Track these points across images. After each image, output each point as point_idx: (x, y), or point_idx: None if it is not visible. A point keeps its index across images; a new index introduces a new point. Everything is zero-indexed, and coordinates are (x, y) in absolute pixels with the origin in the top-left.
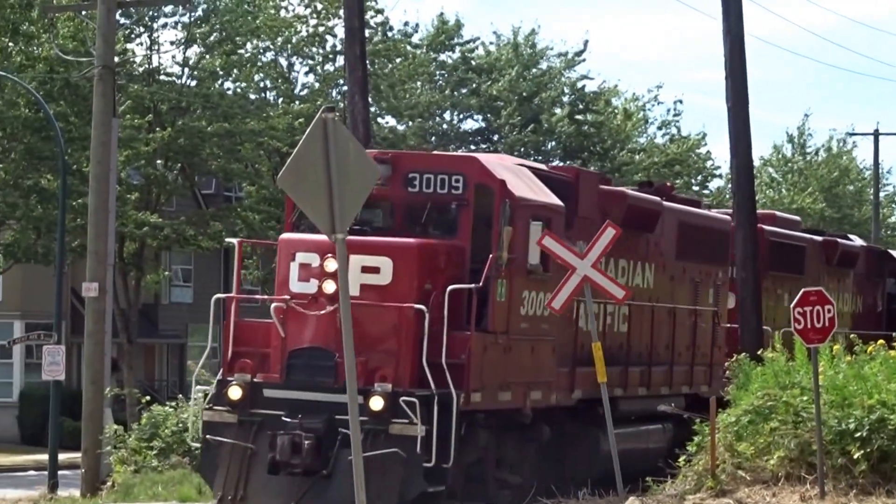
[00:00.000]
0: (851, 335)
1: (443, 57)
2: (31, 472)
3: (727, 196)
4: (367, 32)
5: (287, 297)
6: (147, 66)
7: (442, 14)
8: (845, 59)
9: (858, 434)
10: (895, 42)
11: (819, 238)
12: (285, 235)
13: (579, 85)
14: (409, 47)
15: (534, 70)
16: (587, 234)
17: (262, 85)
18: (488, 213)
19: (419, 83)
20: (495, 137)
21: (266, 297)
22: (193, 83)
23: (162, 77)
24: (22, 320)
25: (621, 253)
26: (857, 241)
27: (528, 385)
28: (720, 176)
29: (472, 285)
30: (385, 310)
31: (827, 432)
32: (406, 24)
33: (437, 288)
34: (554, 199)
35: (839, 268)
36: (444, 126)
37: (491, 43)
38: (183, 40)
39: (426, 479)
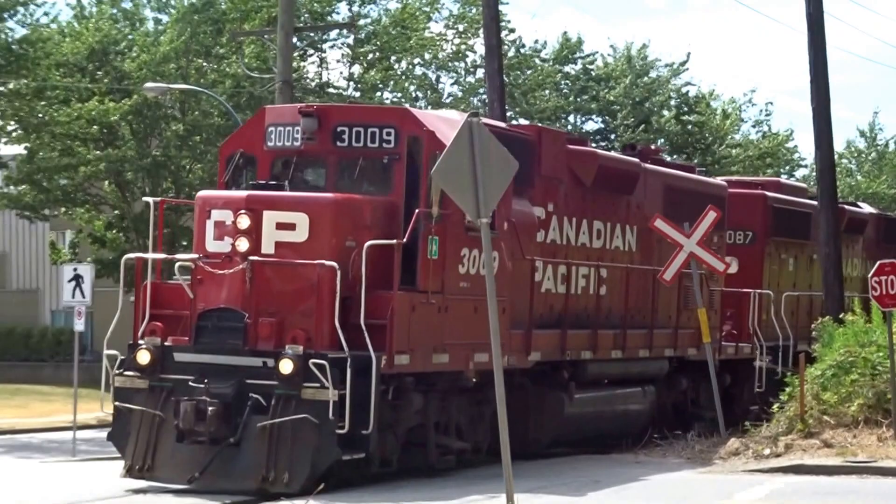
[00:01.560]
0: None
1: (567, 68)
2: None
3: (812, 184)
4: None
5: (196, 256)
6: (318, 80)
7: (565, 32)
8: None
9: None
10: None
11: None
12: (202, 193)
13: (684, 90)
14: (538, 61)
15: (645, 78)
16: (553, 192)
17: (414, 95)
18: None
19: (547, 91)
20: (612, 136)
21: (178, 256)
22: (358, 94)
23: (331, 90)
24: None
25: (595, 214)
26: (867, 209)
27: (472, 347)
28: (805, 166)
29: (395, 241)
30: (298, 268)
31: None
32: (536, 41)
33: (362, 245)
34: None
35: (848, 234)
36: (569, 127)
37: (608, 55)
38: (348, 59)
39: (342, 446)
